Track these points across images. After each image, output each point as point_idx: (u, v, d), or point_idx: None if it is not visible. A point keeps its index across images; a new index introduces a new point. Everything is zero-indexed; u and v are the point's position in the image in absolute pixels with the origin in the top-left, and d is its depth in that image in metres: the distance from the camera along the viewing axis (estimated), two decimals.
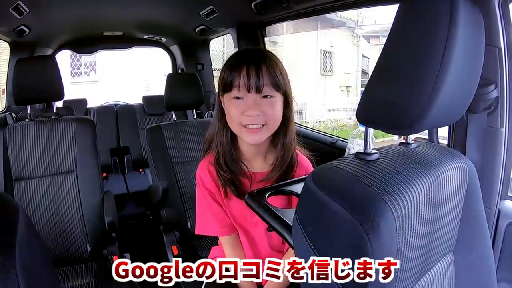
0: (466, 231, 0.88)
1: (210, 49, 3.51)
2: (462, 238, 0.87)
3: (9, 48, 2.73)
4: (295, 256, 0.71)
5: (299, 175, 1.12)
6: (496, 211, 1.14)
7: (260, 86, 1.00)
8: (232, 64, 1.04)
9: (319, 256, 0.65)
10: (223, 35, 3.01)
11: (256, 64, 1.01)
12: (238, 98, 1.03)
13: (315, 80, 10.95)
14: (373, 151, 0.76)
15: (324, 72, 11.18)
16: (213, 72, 3.59)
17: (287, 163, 1.11)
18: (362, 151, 0.76)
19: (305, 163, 1.16)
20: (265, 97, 1.02)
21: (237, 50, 2.58)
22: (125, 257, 1.76)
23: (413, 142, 0.89)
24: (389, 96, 0.68)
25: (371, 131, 0.76)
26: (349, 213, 0.61)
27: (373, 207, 0.61)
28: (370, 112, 0.73)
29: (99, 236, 1.75)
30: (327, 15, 1.90)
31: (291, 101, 1.08)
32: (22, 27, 2.32)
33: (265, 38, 2.53)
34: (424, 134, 1.13)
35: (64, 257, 1.69)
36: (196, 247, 1.78)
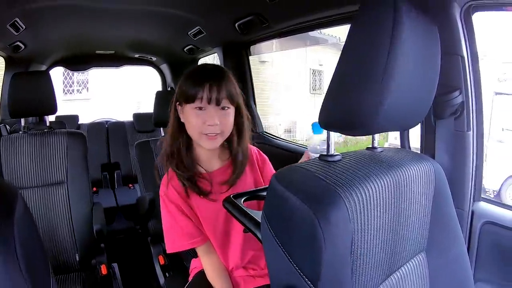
0: (437, 231, 0.91)
1: None
2: (433, 238, 0.91)
3: (3, 63, 2.80)
4: (263, 250, 0.77)
5: (251, 161, 1.32)
6: (470, 212, 1.19)
7: (220, 100, 1.14)
8: (196, 79, 1.16)
9: (283, 247, 0.70)
10: (210, 54, 3.07)
11: (217, 81, 1.14)
12: (200, 108, 1.14)
13: (305, 99, 11.05)
14: (336, 154, 0.81)
15: (314, 91, 11.29)
16: None
17: (241, 160, 1.26)
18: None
19: (253, 151, 1.35)
20: (223, 108, 1.16)
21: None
22: (113, 267, 1.80)
23: (379, 147, 0.94)
24: (344, 102, 0.74)
25: (332, 134, 0.82)
26: (304, 203, 0.66)
27: (326, 198, 0.66)
28: (329, 117, 0.78)
29: (88, 246, 1.78)
30: (311, 33, 1.98)
31: (242, 111, 1.23)
32: (18, 43, 2.39)
33: (250, 57, 2.59)
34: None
35: (53, 266, 1.71)
36: (182, 258, 1.82)
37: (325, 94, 0.78)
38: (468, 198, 1.19)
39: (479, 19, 1.15)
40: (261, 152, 1.38)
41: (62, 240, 1.75)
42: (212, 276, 1.24)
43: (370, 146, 0.96)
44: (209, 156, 1.26)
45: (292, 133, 9.86)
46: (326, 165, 0.77)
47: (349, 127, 0.76)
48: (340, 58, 0.75)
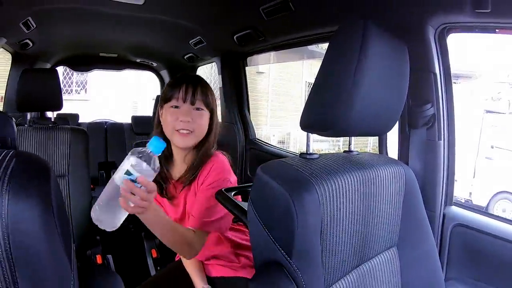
0: (408, 229, 1.01)
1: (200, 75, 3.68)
2: (404, 235, 1.01)
3: (7, 59, 2.85)
4: (249, 231, 0.88)
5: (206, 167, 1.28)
6: (441, 215, 1.27)
7: (194, 100, 1.24)
8: (175, 82, 1.27)
9: (264, 224, 0.81)
10: (209, 63, 3.15)
11: (193, 84, 1.25)
12: (175, 107, 1.24)
13: (300, 111, 11.00)
14: (314, 153, 0.93)
15: None
16: None
17: (202, 163, 1.29)
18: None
19: (214, 158, 1.31)
20: (197, 109, 1.25)
21: (220, 77, 2.76)
22: (107, 258, 1.88)
23: (355, 150, 1.06)
24: (320, 108, 0.86)
25: (310, 136, 0.94)
26: (282, 187, 0.78)
27: (300, 183, 0.79)
28: (308, 121, 0.90)
29: (84, 237, 1.84)
30: (309, 47, 2.06)
31: (215, 117, 1.31)
32: (27, 40, 2.46)
33: (247, 68, 2.67)
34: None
35: None
36: (174, 252, 1.90)
37: (305, 101, 0.90)
38: (439, 202, 1.28)
39: (473, 41, 1.23)
40: (222, 171, 1.29)
41: None
42: (185, 262, 1.38)
43: (347, 149, 1.06)
44: (181, 158, 1.32)
45: (286, 144, 9.92)
46: (304, 161, 0.89)
47: (323, 129, 0.88)
48: (319, 70, 0.88)
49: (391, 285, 0.98)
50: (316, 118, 0.88)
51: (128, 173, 0.91)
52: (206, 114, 1.28)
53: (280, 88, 10.51)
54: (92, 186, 3.14)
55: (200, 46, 2.56)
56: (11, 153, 0.65)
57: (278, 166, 0.87)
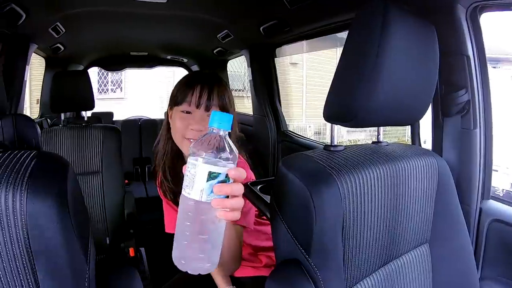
0: (441, 223, 0.97)
1: (232, 70, 3.69)
2: (437, 230, 0.96)
3: (39, 63, 2.97)
4: (271, 225, 0.84)
5: None
6: (477, 210, 1.19)
7: (210, 105, 1.05)
8: (187, 82, 1.10)
9: (283, 219, 0.79)
10: (238, 56, 3.15)
11: (209, 85, 1.06)
12: (186, 112, 1.06)
13: None
14: (339, 145, 0.89)
15: None
16: (232, 92, 3.78)
17: None
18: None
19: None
20: None
21: (250, 70, 2.75)
22: (140, 251, 1.94)
23: (384, 141, 1.01)
24: (342, 98, 0.82)
25: (335, 127, 0.90)
26: (300, 180, 0.75)
27: (320, 177, 0.76)
28: (331, 111, 0.86)
29: (118, 231, 1.92)
30: (339, 35, 2.00)
31: (233, 119, 1.15)
32: (58, 44, 2.56)
33: (280, 59, 2.66)
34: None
35: None
36: None
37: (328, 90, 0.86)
38: (475, 195, 1.19)
39: None
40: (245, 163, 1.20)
41: (95, 224, 1.90)
42: None
43: (375, 140, 1.02)
44: None
45: (322, 135, 9.80)
46: (327, 153, 0.85)
47: (346, 120, 0.83)
48: (340, 59, 0.84)
49: (422, 284, 0.94)
50: (338, 108, 0.84)
51: (213, 176, 0.62)
52: None
53: (314, 79, 10.38)
54: (126, 182, 3.27)
55: (228, 39, 2.56)
56: (33, 153, 0.68)
57: (299, 159, 0.84)
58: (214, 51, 3.04)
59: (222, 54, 3.07)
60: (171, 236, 1.72)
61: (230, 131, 0.66)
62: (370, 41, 0.76)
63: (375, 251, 0.83)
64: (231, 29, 2.38)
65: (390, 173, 0.85)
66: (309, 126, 9.60)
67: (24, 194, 0.60)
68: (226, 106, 1.08)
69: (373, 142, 1.01)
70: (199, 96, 1.05)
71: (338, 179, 0.76)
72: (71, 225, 0.64)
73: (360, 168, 0.81)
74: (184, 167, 0.64)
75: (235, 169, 0.63)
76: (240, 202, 0.65)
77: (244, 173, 0.64)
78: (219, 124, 0.64)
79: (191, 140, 1.04)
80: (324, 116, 0.88)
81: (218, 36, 2.54)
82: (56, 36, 2.30)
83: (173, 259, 0.67)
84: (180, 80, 1.13)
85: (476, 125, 1.17)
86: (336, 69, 0.84)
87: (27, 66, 2.24)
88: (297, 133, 2.68)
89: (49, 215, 0.61)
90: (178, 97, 1.08)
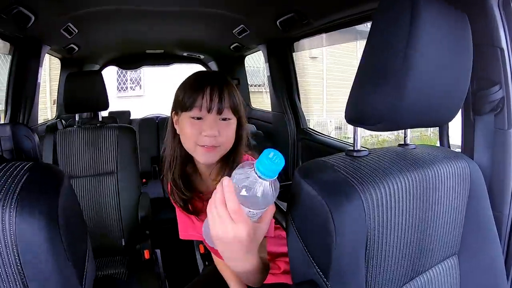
0: (471, 234, 0.88)
1: (249, 65, 3.65)
2: (466, 242, 0.88)
3: (60, 63, 3.02)
4: (287, 238, 0.77)
5: None
6: (510, 217, 1.08)
7: (222, 109, 0.99)
8: (194, 84, 1.02)
9: (299, 235, 0.71)
10: (255, 51, 3.11)
11: (219, 87, 1.00)
12: (197, 118, 1.00)
13: None
14: (362, 149, 0.81)
15: None
16: (249, 87, 3.74)
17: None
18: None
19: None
20: (224, 119, 1.01)
21: (267, 65, 2.70)
22: (155, 252, 1.91)
23: (411, 143, 0.92)
24: (366, 98, 0.73)
25: (358, 130, 0.81)
26: (318, 193, 0.66)
27: (340, 189, 0.67)
28: (354, 113, 0.77)
29: (134, 232, 1.90)
30: (358, 27, 1.93)
31: (243, 123, 1.08)
32: (72, 45, 2.57)
33: (300, 53, 2.60)
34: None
35: (100, 248, 1.84)
36: None
37: (350, 89, 0.78)
38: (508, 201, 1.08)
39: None
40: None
41: (110, 226, 1.89)
42: (220, 267, 1.26)
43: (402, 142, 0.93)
44: (205, 174, 1.12)
45: (343, 130, 9.70)
46: (349, 159, 0.77)
47: (371, 123, 0.74)
48: (362, 54, 0.75)
49: None
50: (362, 110, 0.75)
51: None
52: (233, 122, 1.04)
53: (334, 72, 10.27)
54: (144, 180, 3.26)
55: (244, 34, 2.52)
56: (27, 166, 0.63)
57: (316, 168, 0.75)
58: (231, 47, 2.99)
59: (239, 49, 3.03)
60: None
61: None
62: (397, 32, 0.67)
63: (400, 267, 0.75)
64: (247, 24, 2.33)
65: (418, 181, 0.76)
66: (330, 121, 9.51)
67: (13, 213, 0.55)
68: (237, 107, 1.03)
69: (399, 145, 0.93)
70: (210, 100, 0.98)
71: (361, 192, 0.67)
72: (62, 249, 0.58)
73: (386, 177, 0.72)
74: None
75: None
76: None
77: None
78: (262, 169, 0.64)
79: (205, 146, 0.99)
80: (346, 118, 0.79)
81: (234, 31, 2.50)
82: (69, 37, 2.30)
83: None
84: (184, 82, 1.06)
85: (511, 124, 1.07)
86: (359, 66, 0.75)
87: (40, 68, 2.25)
88: (317, 129, 2.61)
89: (38, 237, 0.56)
90: (186, 102, 1.00)
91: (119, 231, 1.90)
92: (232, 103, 1.01)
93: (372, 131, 0.79)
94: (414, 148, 0.90)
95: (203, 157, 1.01)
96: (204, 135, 0.98)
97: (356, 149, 0.81)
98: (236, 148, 1.07)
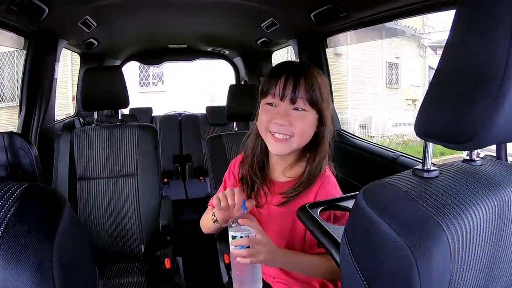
0: None
1: (277, 61, 3.51)
2: None
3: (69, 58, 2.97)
4: (341, 276, 0.65)
5: (324, 190, 1.08)
6: None
7: (295, 98, 1.00)
8: (273, 72, 1.05)
9: (361, 274, 0.58)
10: (284, 47, 3.00)
11: (295, 76, 1.01)
12: (271, 104, 1.04)
13: (381, 93, 10.62)
14: (433, 168, 0.66)
15: (390, 85, 10.75)
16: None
17: (312, 181, 1.07)
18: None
19: (325, 177, 1.09)
20: (297, 109, 1.01)
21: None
22: (177, 261, 1.80)
23: (478, 159, 0.76)
24: (447, 109, 0.59)
25: (430, 145, 0.67)
26: (398, 235, 0.53)
27: (426, 231, 0.54)
28: (428, 126, 0.63)
29: (154, 238, 1.80)
30: (387, 24, 1.78)
31: (325, 120, 1.06)
32: (91, 39, 2.48)
33: (327, 50, 2.45)
34: (492, 151, 0.99)
35: (118, 255, 1.77)
36: None
37: (423, 96, 0.63)
38: None
39: None
40: (333, 178, 1.13)
41: (129, 231, 1.79)
42: None
43: (467, 157, 0.77)
44: (277, 162, 1.13)
45: (367, 129, 9.54)
46: (421, 182, 0.63)
47: (453, 140, 0.60)
48: (442, 55, 0.58)
49: None
50: (441, 126, 0.60)
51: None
52: (310, 115, 1.02)
53: (359, 70, 10.11)
54: (165, 180, 3.17)
55: (273, 28, 2.39)
56: (20, 188, 0.51)
57: (387, 193, 0.61)
58: (258, 42, 2.86)
59: (267, 44, 2.90)
60: (211, 245, 1.59)
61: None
62: (495, 32, 0.52)
63: None
64: (277, 17, 2.19)
65: (496, 208, 0.62)
66: (354, 120, 9.36)
67: None
68: (315, 100, 1.02)
69: (464, 160, 0.77)
70: (283, 88, 1.01)
71: (447, 230, 0.53)
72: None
73: (467, 207, 0.58)
74: None
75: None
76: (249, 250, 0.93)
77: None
78: None
79: (275, 134, 1.03)
80: (416, 131, 0.64)
81: (262, 25, 2.37)
82: (88, 31, 2.22)
83: None
84: (269, 70, 1.13)
85: None
86: (436, 72, 0.60)
87: (56, 63, 2.17)
88: (345, 130, 2.44)
89: (25, 282, 0.45)
90: (264, 88, 1.05)
91: (139, 237, 1.80)
92: (308, 94, 1.01)
93: (457, 150, 0.65)
94: (481, 165, 0.75)
95: (273, 147, 1.05)
96: (274, 122, 1.02)
97: (426, 168, 0.66)
98: (319, 148, 1.07)
